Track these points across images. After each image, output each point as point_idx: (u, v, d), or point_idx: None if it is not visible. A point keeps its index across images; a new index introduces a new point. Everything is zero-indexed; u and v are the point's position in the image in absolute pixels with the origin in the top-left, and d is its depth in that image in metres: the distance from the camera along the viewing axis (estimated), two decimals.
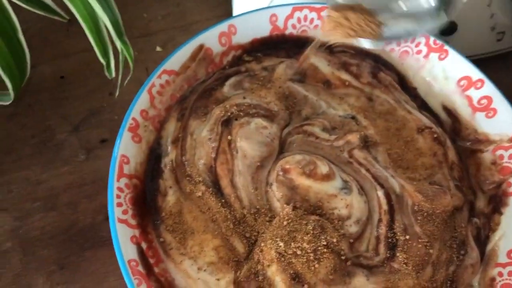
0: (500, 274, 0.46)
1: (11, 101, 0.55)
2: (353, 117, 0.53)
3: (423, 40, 0.55)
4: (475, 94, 0.53)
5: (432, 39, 0.54)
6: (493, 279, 0.46)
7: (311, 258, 0.42)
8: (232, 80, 0.52)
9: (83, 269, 0.53)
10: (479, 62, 0.54)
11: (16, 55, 0.51)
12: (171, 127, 0.49)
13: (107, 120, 0.62)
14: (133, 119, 0.46)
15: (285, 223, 0.44)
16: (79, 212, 0.56)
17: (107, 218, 0.52)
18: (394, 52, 0.57)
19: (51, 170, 0.58)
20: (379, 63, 0.56)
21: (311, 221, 0.44)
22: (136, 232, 0.43)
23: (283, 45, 0.56)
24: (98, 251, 0.54)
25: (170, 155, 0.48)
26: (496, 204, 0.50)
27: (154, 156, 0.48)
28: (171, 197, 0.46)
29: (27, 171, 0.58)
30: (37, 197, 0.57)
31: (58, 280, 0.53)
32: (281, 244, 0.42)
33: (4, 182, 0.57)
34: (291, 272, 0.42)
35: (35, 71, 0.64)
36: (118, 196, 0.42)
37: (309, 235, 0.43)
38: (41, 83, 0.64)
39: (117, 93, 0.58)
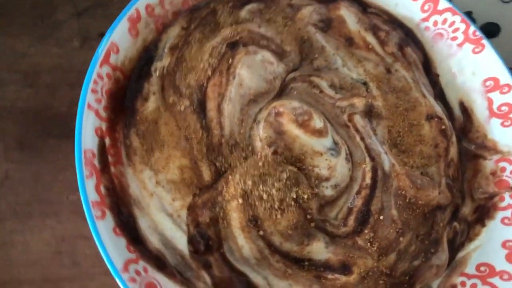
0: (463, 284, 0.44)
1: None
2: (365, 83, 0.49)
3: (462, 26, 0.50)
4: (498, 98, 0.49)
5: (472, 28, 0.50)
6: (454, 286, 0.44)
7: (276, 206, 0.39)
8: (252, 6, 0.48)
9: (43, 154, 0.51)
10: None
11: None
12: (174, 33, 0.45)
13: (112, 15, 0.58)
14: (136, 10, 0.43)
15: (260, 164, 0.40)
16: (56, 98, 0.53)
17: None
18: (428, 31, 0.52)
19: (41, 46, 0.55)
20: (409, 37, 0.52)
21: (287, 170, 0.41)
22: (104, 125, 0.40)
23: None
24: (64, 142, 0.51)
25: (163, 61, 0.44)
26: (482, 215, 0.47)
27: (146, 57, 0.44)
28: (151, 104, 0.43)
29: (16, 40, 0.54)
30: (18, 69, 0.53)
31: (15, 158, 0.50)
32: (249, 182, 0.39)
33: None
34: (251, 213, 0.39)
35: None
36: (96, 82, 0.39)
37: (280, 183, 0.40)
38: None
39: None
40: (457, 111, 0.52)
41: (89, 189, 0.36)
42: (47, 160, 0.50)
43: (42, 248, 0.47)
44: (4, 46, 0.54)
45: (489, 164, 0.48)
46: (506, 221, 0.46)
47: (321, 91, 0.46)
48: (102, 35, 0.54)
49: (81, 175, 0.35)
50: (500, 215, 0.46)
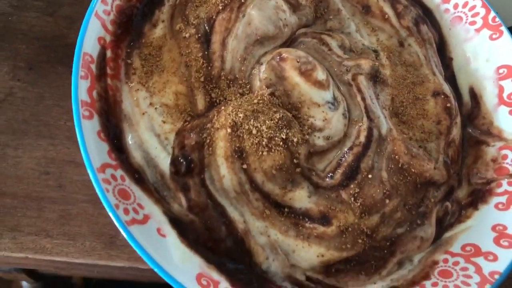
0: (445, 261, 0.42)
1: None
2: (375, 51, 0.48)
3: (482, 11, 0.50)
4: (509, 86, 0.48)
5: (492, 14, 0.49)
6: (436, 262, 0.42)
7: (264, 143, 0.39)
8: None
9: (49, 79, 0.52)
10: None
11: None
12: None
13: None
14: None
15: (255, 101, 0.40)
16: (73, 30, 0.54)
17: None
18: (448, 13, 0.52)
19: None
20: (428, 17, 0.52)
21: (281, 112, 0.40)
22: (107, 37, 0.40)
23: None
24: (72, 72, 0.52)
25: None
26: (476, 199, 0.46)
27: None
28: (159, 30, 0.43)
29: None
30: None
31: (22, 77, 0.51)
32: (241, 115, 0.39)
33: None
34: (237, 145, 0.38)
35: None
36: None
37: (272, 122, 0.39)
38: None
39: None
40: (466, 96, 0.51)
41: (81, 88, 0.36)
42: (52, 84, 0.51)
43: (31, 166, 0.48)
44: None
45: (491, 150, 0.47)
46: (500, 206, 0.44)
47: (330, 49, 0.46)
48: None
49: (76, 74, 0.36)
50: (494, 200, 0.45)
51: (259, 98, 0.40)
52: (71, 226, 0.46)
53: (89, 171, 0.34)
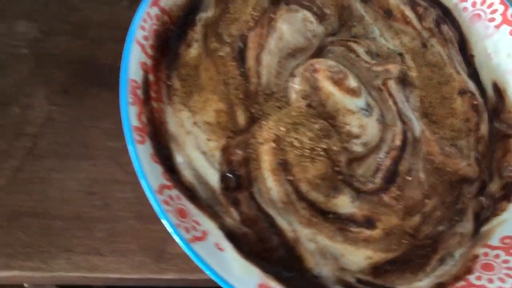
0: (486, 254, 0.44)
1: None
2: (400, 54, 0.50)
3: (501, 8, 0.51)
4: None
5: (511, 11, 0.51)
6: (476, 256, 0.44)
7: (306, 154, 0.40)
8: None
9: (85, 101, 0.53)
10: None
11: None
12: None
13: None
14: None
15: (294, 113, 0.42)
16: (102, 51, 0.55)
17: None
18: (466, 12, 0.54)
19: (92, 2, 0.57)
20: (446, 16, 0.53)
21: (320, 122, 0.42)
22: (148, 61, 0.41)
23: None
24: (105, 92, 0.54)
25: (208, 12, 0.46)
26: (509, 192, 0.47)
27: (193, 5, 0.46)
28: (193, 50, 0.45)
29: None
30: (69, 21, 0.56)
31: (58, 101, 0.52)
32: (283, 129, 0.40)
33: None
34: (281, 158, 0.40)
35: None
36: (145, 21, 0.41)
37: (312, 133, 0.41)
38: None
39: None
40: (490, 91, 0.52)
41: (132, 114, 0.37)
42: (88, 106, 0.53)
43: (76, 187, 0.49)
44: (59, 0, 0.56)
45: None
46: None
47: (358, 56, 0.47)
48: None
49: (125, 100, 0.37)
50: None
51: (297, 110, 0.42)
52: (120, 243, 0.47)
53: (148, 195, 0.36)
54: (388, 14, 0.51)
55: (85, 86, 0.54)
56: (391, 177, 0.43)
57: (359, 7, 0.50)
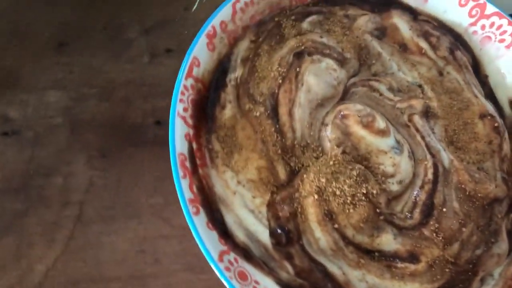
0: None
1: None
2: (420, 86, 0.52)
3: (510, 29, 0.53)
4: None
5: None
6: None
7: (348, 201, 0.43)
8: (313, 18, 0.52)
9: (122, 162, 0.55)
10: None
11: None
12: (244, 46, 0.50)
13: (177, 33, 0.63)
14: (212, 26, 0.47)
15: (331, 162, 0.44)
16: (131, 110, 0.58)
17: (156, 122, 0.54)
18: (476, 35, 0.56)
19: (114, 63, 0.60)
20: (458, 41, 0.55)
21: (356, 168, 0.44)
22: (191, 131, 0.44)
23: None
24: (140, 150, 0.56)
25: (237, 72, 0.49)
26: None
27: (222, 68, 0.49)
28: (228, 111, 0.47)
29: (92, 58, 0.60)
30: (95, 85, 0.58)
31: (97, 166, 0.55)
32: (323, 180, 0.43)
33: (68, 62, 0.59)
34: (326, 208, 0.42)
35: None
36: (183, 93, 0.43)
37: (351, 180, 0.43)
38: None
39: (194, 8, 0.58)
40: (507, 109, 0.54)
41: (185, 188, 0.40)
42: (126, 167, 0.55)
43: (126, 247, 0.52)
44: (83, 65, 0.59)
45: None
46: None
47: (381, 94, 0.50)
48: (168, 50, 0.59)
49: (177, 176, 0.40)
50: None
51: (333, 159, 0.44)
52: None
53: (211, 264, 0.38)
54: (403, 48, 0.53)
55: (120, 147, 0.56)
56: (428, 211, 0.45)
57: (375, 45, 0.52)
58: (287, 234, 0.42)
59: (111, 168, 0.55)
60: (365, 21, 0.53)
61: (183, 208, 0.39)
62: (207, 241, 0.39)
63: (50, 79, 0.58)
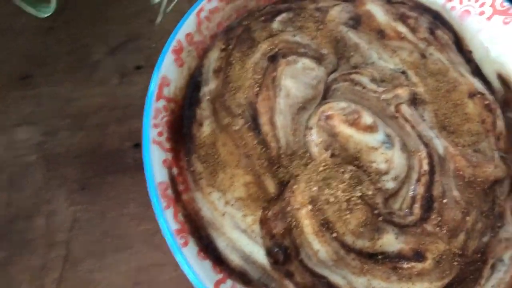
0: None
1: (51, 13, 0.53)
2: (403, 72, 0.50)
3: (488, 0, 0.51)
4: None
5: (499, 0, 0.51)
6: None
7: (344, 207, 0.40)
8: (283, 16, 0.49)
9: (104, 192, 0.53)
10: None
11: None
12: (214, 56, 0.47)
13: (144, 47, 0.60)
14: (178, 41, 0.44)
15: (321, 168, 0.42)
16: (106, 135, 0.55)
17: (134, 145, 0.51)
18: (454, 10, 0.53)
19: (83, 89, 0.57)
20: (437, 20, 0.53)
21: (348, 170, 0.42)
22: (169, 156, 0.41)
23: None
24: (121, 177, 0.54)
25: (210, 85, 0.46)
26: None
27: (193, 83, 0.46)
28: (206, 128, 0.44)
29: (59, 87, 0.57)
30: (67, 115, 0.56)
31: (79, 200, 0.52)
32: (315, 188, 0.40)
33: (36, 95, 0.56)
34: (321, 218, 0.40)
35: None
36: (155, 117, 0.41)
37: (344, 184, 0.41)
38: (81, 1, 0.62)
39: (158, 20, 0.56)
40: (496, 84, 0.52)
41: (169, 219, 0.37)
42: (108, 196, 0.53)
43: (121, 281, 0.49)
44: (51, 95, 0.56)
45: None
46: None
47: (364, 87, 0.47)
48: (138, 67, 0.56)
49: (159, 207, 0.37)
50: None
51: (323, 164, 0.42)
52: None
53: None
54: (381, 34, 0.51)
55: (100, 176, 0.53)
56: (428, 204, 0.43)
57: (352, 36, 0.50)
58: (285, 251, 0.40)
59: (93, 200, 0.52)
60: (338, 11, 0.50)
61: (169, 242, 0.37)
62: (201, 273, 0.37)
63: (18, 115, 0.55)
